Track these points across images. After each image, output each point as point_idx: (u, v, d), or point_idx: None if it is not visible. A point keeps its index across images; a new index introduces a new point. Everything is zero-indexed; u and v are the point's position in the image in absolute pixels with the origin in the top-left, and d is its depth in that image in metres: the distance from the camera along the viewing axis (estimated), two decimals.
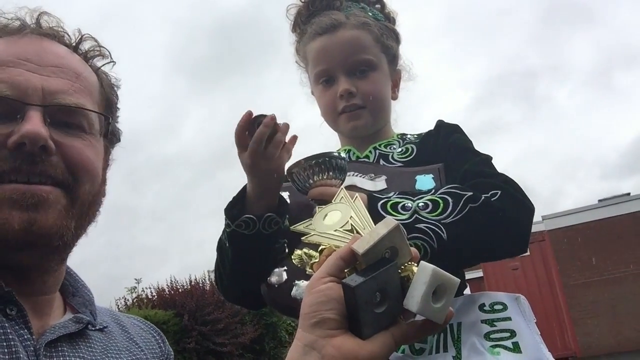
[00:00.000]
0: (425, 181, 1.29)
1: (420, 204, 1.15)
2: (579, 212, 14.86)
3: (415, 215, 1.13)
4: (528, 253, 14.45)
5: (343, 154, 1.20)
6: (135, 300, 13.13)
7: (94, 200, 0.92)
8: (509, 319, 1.18)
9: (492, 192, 1.17)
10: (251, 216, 1.20)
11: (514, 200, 1.18)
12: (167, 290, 12.75)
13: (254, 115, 1.15)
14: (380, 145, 1.47)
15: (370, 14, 1.50)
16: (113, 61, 1.02)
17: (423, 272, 0.72)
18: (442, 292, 0.73)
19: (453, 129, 1.42)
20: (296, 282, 1.18)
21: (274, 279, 1.21)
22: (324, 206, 0.89)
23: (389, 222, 0.74)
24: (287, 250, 1.25)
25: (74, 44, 0.97)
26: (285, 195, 1.30)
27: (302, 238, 0.85)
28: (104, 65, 1.01)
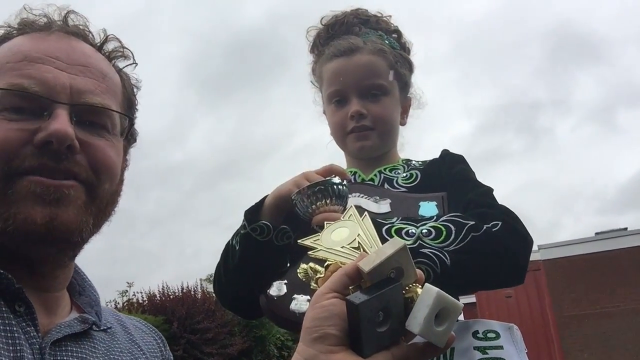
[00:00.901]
0: (428, 208, 1.32)
1: (423, 231, 1.18)
2: (576, 244, 14.83)
3: (419, 241, 1.16)
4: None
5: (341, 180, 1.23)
6: (125, 304, 13.06)
7: (112, 199, 0.94)
8: (501, 347, 1.20)
9: (494, 222, 1.20)
10: (268, 223, 1.25)
11: (514, 232, 1.21)
12: (158, 295, 12.69)
13: (336, 178, 1.20)
14: (385, 170, 1.51)
15: (387, 41, 1.55)
16: (135, 62, 1.04)
17: (427, 294, 0.72)
18: (445, 316, 0.73)
19: (458, 159, 1.47)
20: (295, 296, 1.19)
21: (273, 291, 1.23)
22: (332, 222, 0.89)
23: (396, 243, 0.75)
24: (289, 265, 1.28)
25: (98, 44, 0.99)
26: None
27: (309, 252, 0.85)
28: (126, 66, 1.03)
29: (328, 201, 1.16)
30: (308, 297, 1.17)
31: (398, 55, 1.54)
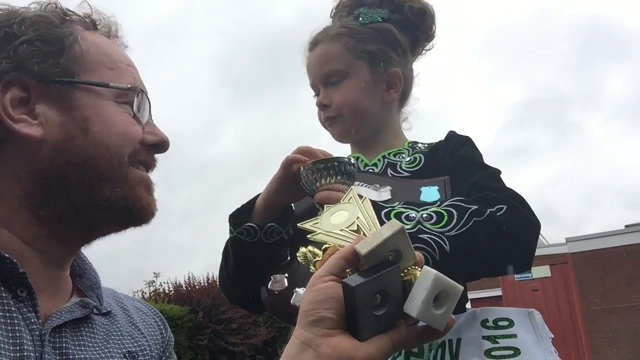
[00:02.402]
0: (430, 193, 1.29)
1: (424, 215, 1.15)
2: (605, 237, 14.53)
3: (419, 225, 1.13)
4: (549, 275, 14.25)
5: (352, 161, 1.21)
6: (152, 294, 13.27)
7: None
8: (514, 336, 1.16)
9: (498, 206, 1.16)
10: (253, 225, 1.25)
11: (519, 216, 1.17)
12: (184, 286, 12.85)
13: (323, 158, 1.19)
14: (389, 154, 1.47)
15: (362, 18, 1.50)
16: None
17: (425, 277, 0.71)
18: (444, 299, 0.72)
19: (464, 141, 1.41)
20: (296, 289, 1.19)
21: (273, 285, 1.23)
22: (331, 205, 0.89)
23: (394, 225, 0.74)
24: (289, 258, 1.27)
25: None
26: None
27: (308, 236, 0.85)
28: None
29: (338, 178, 1.15)
30: None
31: (366, 31, 1.48)
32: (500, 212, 1.15)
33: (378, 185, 1.34)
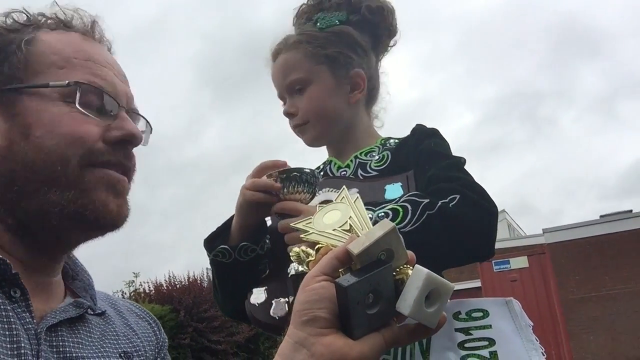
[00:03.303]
0: (394, 190, 1.30)
1: (380, 214, 1.16)
2: (580, 227, 14.81)
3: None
4: (527, 265, 14.46)
5: (325, 165, 1.28)
6: (132, 294, 13.16)
7: None
8: (489, 326, 1.14)
9: (451, 197, 1.16)
10: (226, 247, 1.28)
11: (472, 204, 1.16)
12: (164, 285, 12.77)
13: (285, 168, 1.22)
14: (361, 154, 1.48)
15: (319, 24, 1.50)
16: None
17: (417, 276, 0.72)
18: (436, 297, 0.73)
19: (428, 133, 1.42)
20: (274, 300, 1.22)
21: (253, 299, 1.26)
22: (325, 205, 0.90)
23: (386, 224, 0.75)
24: (268, 271, 1.31)
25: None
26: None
27: (301, 236, 0.86)
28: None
29: (295, 189, 1.19)
30: (286, 299, 1.20)
31: (324, 36, 1.48)
32: (453, 202, 1.15)
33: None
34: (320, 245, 0.83)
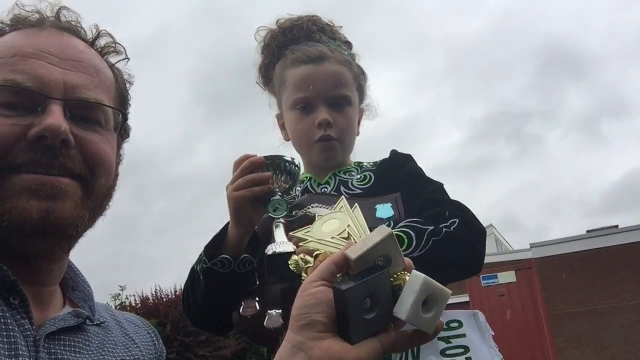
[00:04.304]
0: (384, 210, 1.36)
1: None
2: (567, 242, 14.90)
3: None
4: (515, 280, 14.51)
5: (304, 181, 1.32)
6: (118, 307, 13.02)
7: (108, 194, 0.95)
8: (464, 335, 1.23)
9: (451, 221, 1.27)
10: (227, 257, 1.27)
11: (470, 228, 1.29)
12: (151, 298, 12.65)
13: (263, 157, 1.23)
14: (339, 172, 1.53)
15: (346, 52, 1.57)
16: (127, 57, 1.04)
17: (414, 281, 0.74)
18: (433, 302, 0.75)
19: (407, 157, 1.53)
20: (268, 311, 1.24)
21: (246, 310, 1.27)
22: (323, 214, 0.91)
23: (383, 231, 0.76)
24: (258, 282, 1.31)
25: (90, 40, 0.99)
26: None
27: (300, 244, 0.87)
28: (119, 61, 1.04)
29: (281, 177, 1.21)
30: (280, 311, 1.22)
31: (358, 66, 1.56)
32: (454, 226, 1.26)
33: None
34: (318, 252, 0.84)
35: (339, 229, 0.85)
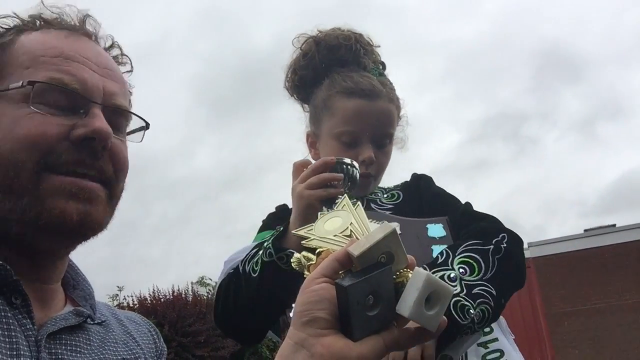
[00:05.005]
0: (436, 229, 1.38)
1: (460, 270, 1.24)
2: (565, 241, 14.94)
3: (463, 282, 1.21)
4: None
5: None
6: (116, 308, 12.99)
7: (121, 197, 0.97)
8: (497, 339, 1.31)
9: (501, 235, 1.31)
10: (295, 251, 1.25)
11: (517, 239, 1.35)
12: (149, 299, 12.62)
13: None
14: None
15: (393, 88, 1.57)
16: (132, 70, 1.06)
17: (417, 278, 0.74)
18: (436, 300, 0.74)
19: (430, 179, 1.57)
20: None
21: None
22: (326, 212, 0.91)
23: (386, 227, 0.76)
24: None
25: (106, 48, 1.01)
26: None
27: (302, 242, 0.87)
28: (124, 73, 1.05)
29: (346, 180, 1.25)
30: None
31: (398, 99, 1.56)
32: (506, 240, 1.31)
33: (386, 222, 1.38)
34: (321, 250, 0.84)
35: (341, 227, 0.85)
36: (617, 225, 15.35)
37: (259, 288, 1.29)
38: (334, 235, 0.84)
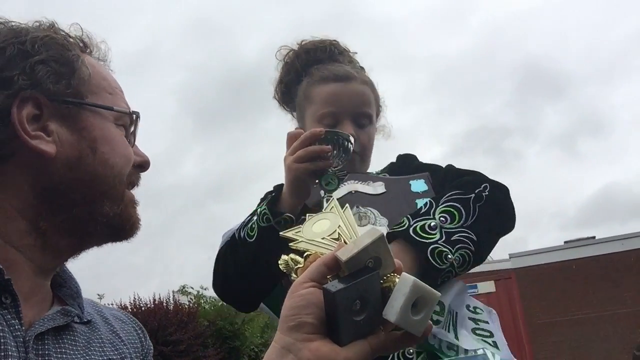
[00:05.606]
0: (418, 184, 1.45)
1: (441, 219, 1.27)
2: (546, 252, 15.11)
3: (443, 230, 1.25)
4: (494, 290, 14.62)
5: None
6: None
7: None
8: (487, 322, 1.34)
9: (483, 185, 1.35)
10: (291, 215, 1.31)
11: (500, 188, 1.39)
12: (129, 307, 12.47)
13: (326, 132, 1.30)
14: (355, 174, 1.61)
15: (365, 77, 1.64)
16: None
17: (404, 283, 0.74)
18: (422, 305, 0.75)
19: (415, 156, 1.64)
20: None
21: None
22: (313, 215, 0.91)
23: (374, 232, 0.76)
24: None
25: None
26: None
27: (290, 244, 0.87)
28: None
29: (337, 152, 1.26)
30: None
31: (371, 82, 1.64)
32: (488, 190, 1.34)
33: (371, 182, 1.46)
34: (308, 253, 0.84)
35: (329, 230, 0.85)
36: (596, 238, 15.57)
37: (257, 252, 1.33)
38: (322, 238, 0.84)
